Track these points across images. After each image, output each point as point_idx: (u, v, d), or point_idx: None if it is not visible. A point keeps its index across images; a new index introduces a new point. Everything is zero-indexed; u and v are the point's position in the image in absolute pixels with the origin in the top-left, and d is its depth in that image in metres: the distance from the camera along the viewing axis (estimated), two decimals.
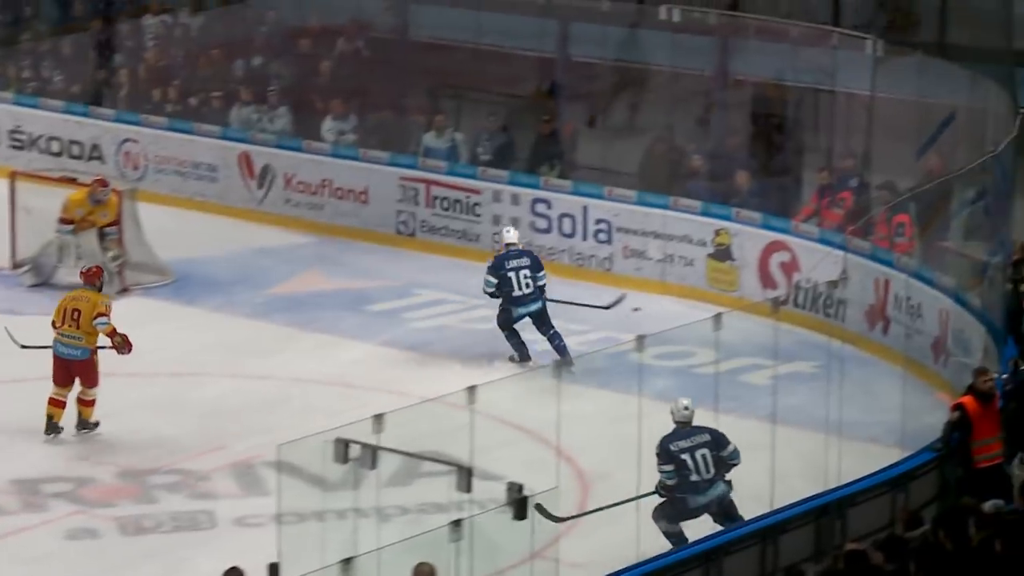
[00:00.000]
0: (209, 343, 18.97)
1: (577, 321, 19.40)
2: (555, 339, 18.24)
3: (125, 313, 19.56)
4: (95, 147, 23.85)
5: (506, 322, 18.32)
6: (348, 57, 23.90)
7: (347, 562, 11.33)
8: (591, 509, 14.02)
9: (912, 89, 19.60)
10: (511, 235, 18.75)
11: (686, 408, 14.17)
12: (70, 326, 16.45)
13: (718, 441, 14.02)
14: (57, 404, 16.50)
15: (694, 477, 13.85)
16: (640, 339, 13.92)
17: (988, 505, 12.16)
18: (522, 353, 18.33)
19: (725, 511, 13.93)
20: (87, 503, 15.40)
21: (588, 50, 23.11)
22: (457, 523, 11.79)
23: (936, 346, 17.20)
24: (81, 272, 17.17)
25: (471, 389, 12.66)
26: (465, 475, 12.24)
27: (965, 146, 18.89)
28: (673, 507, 13.90)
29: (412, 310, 19.97)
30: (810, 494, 14.15)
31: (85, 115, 24.08)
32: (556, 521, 13.30)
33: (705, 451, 13.96)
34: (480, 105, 22.93)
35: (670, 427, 14.30)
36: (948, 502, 13.68)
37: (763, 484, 14.26)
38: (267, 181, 22.85)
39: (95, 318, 16.38)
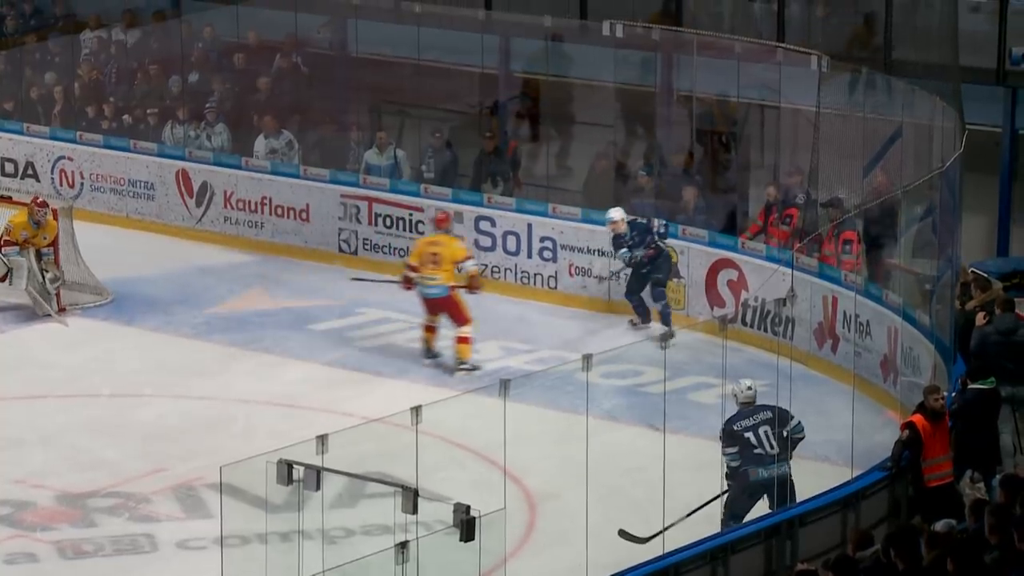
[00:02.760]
0: (149, 364, 18.94)
1: (524, 340, 19.51)
2: (665, 308, 19.35)
3: (62, 334, 19.65)
4: (29, 164, 23.78)
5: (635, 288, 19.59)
6: (286, 73, 23.89)
7: None
8: (670, 524, 13.99)
9: (858, 105, 19.73)
10: (617, 213, 19.43)
11: (749, 388, 14.54)
12: (430, 268, 18.52)
13: (781, 417, 14.37)
14: (430, 330, 18.82)
15: (758, 451, 14.24)
16: (587, 358, 13.93)
17: (939, 524, 12.25)
18: (644, 316, 19.42)
19: (784, 491, 14.20)
20: (26, 527, 15.32)
21: (529, 65, 23.19)
22: (403, 545, 11.80)
23: (885, 364, 17.31)
24: (435, 220, 19.47)
25: (416, 409, 12.67)
26: (411, 496, 12.28)
27: (912, 163, 19.01)
28: (738, 486, 14.17)
29: (356, 329, 19.98)
30: (761, 514, 14.26)
31: (19, 132, 23.99)
32: (642, 542, 13.65)
33: (767, 428, 14.33)
34: (422, 121, 22.98)
35: (618, 447, 14.38)
36: (899, 521, 13.79)
37: (713, 504, 14.35)
38: (206, 199, 22.82)
39: (462, 261, 18.72)
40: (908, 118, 19.02)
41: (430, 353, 18.90)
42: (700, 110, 21.29)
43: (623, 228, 19.60)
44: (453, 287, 18.74)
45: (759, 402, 14.61)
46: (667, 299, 19.61)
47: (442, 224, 19.31)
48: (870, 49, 21.30)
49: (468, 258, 18.98)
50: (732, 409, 14.71)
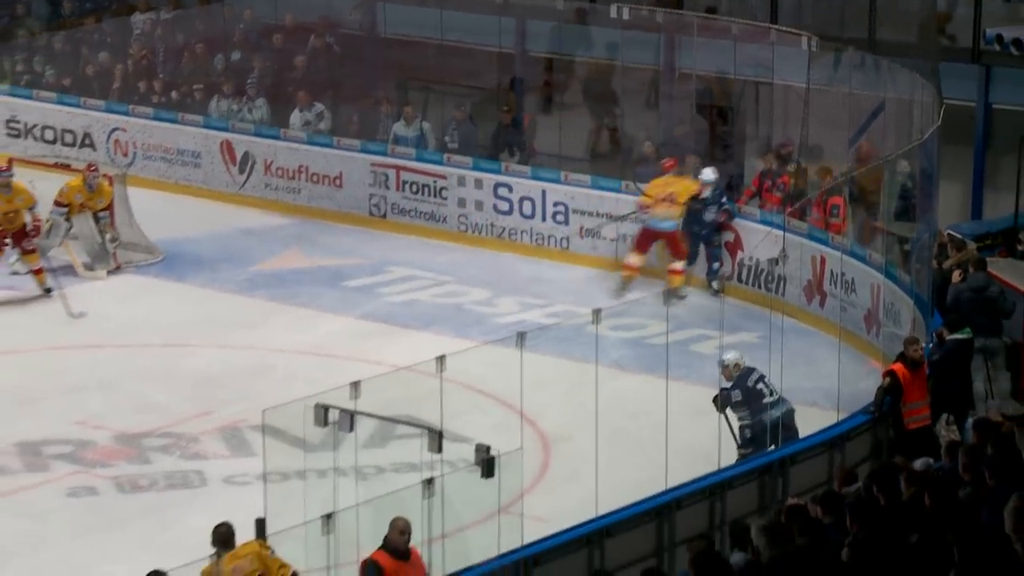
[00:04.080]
0: (197, 317, 18.94)
1: (539, 296, 19.53)
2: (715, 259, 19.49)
3: (118, 289, 19.71)
4: (87, 135, 23.79)
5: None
6: (320, 52, 23.88)
7: (328, 517, 11.39)
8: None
9: (844, 82, 19.71)
10: (709, 175, 19.38)
11: (736, 358, 14.78)
12: (666, 206, 19.14)
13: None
14: (630, 268, 19.17)
15: (767, 399, 14.44)
16: (596, 312, 13.96)
17: (918, 463, 12.28)
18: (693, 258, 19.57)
19: (789, 426, 14.47)
20: (86, 463, 15.41)
21: (543, 45, 23.18)
22: (429, 481, 11.84)
23: (869, 318, 17.33)
24: (663, 166, 19.72)
25: (441, 358, 12.68)
26: (436, 437, 12.28)
27: (894, 134, 19.00)
28: (753, 439, 14.37)
29: (385, 286, 19.95)
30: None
31: (77, 105, 24.01)
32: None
33: (763, 377, 14.59)
34: (445, 96, 22.94)
35: (625, 393, 14.41)
36: (881, 461, 13.82)
37: (711, 445, 14.38)
38: (248, 167, 22.82)
39: (698, 192, 19.25)
40: (890, 93, 18.99)
41: (624, 288, 19.16)
42: (700, 87, 21.29)
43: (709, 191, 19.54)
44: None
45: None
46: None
47: (670, 168, 19.51)
48: (855, 30, 21.25)
49: (702, 187, 19.30)
50: (711, 365, 14.83)
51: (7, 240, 19.11)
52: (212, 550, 11.30)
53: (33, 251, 19.00)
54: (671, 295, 18.37)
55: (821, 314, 18.16)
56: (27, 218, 19.07)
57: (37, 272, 19.06)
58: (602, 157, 21.55)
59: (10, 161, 20.84)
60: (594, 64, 22.79)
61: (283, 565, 11.11)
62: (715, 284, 19.21)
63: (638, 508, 12.96)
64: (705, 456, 14.09)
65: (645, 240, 19.53)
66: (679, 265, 19.21)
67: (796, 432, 14.58)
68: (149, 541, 13.91)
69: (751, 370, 14.72)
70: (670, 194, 19.36)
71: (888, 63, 19.00)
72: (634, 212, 19.79)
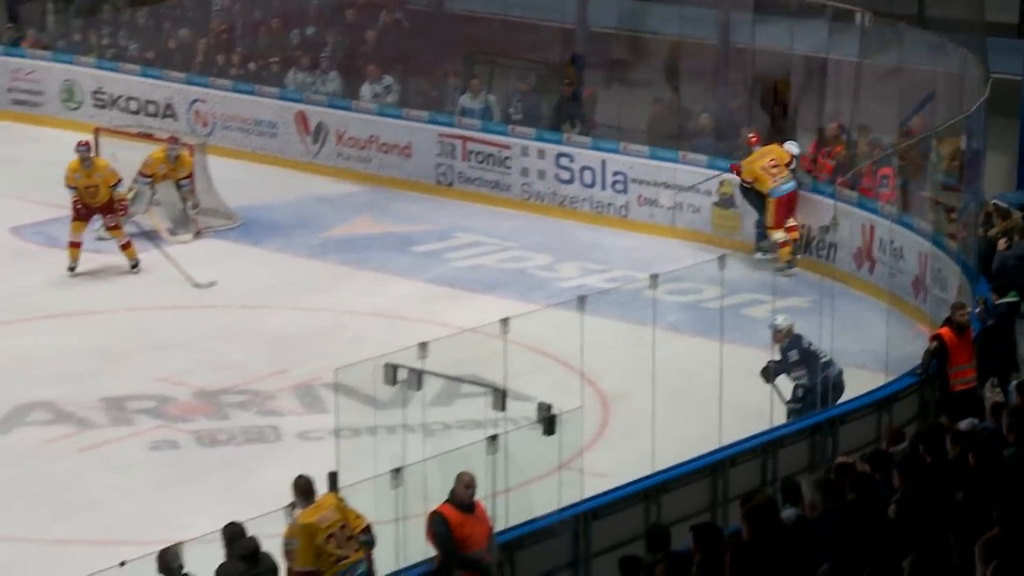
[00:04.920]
0: (272, 280, 18.99)
1: (599, 262, 19.49)
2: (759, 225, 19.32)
3: (198, 253, 19.78)
4: (168, 106, 23.88)
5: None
6: (390, 27, 23.85)
7: (397, 472, 11.36)
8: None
9: (895, 57, 19.56)
10: (793, 147, 19.27)
11: (786, 320, 14.69)
12: (777, 171, 18.95)
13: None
14: (784, 244, 18.81)
15: (823, 359, 14.39)
16: (654, 277, 13.91)
17: (963, 424, 12.20)
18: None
19: (839, 386, 14.46)
20: (168, 418, 15.49)
21: (604, 21, 23.08)
22: (494, 438, 11.83)
23: (916, 284, 17.21)
24: (747, 142, 19.46)
25: (504, 320, 12.67)
26: (500, 396, 12.26)
27: (942, 107, 18.85)
28: (805, 397, 14.31)
29: (452, 251, 19.96)
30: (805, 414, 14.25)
31: (159, 78, 24.09)
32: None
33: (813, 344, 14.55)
34: (510, 70, 22.88)
35: (681, 355, 14.35)
36: (927, 421, 13.74)
37: (764, 404, 14.33)
38: (321, 137, 22.85)
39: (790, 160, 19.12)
40: (939, 68, 18.84)
41: (790, 266, 18.83)
42: (756, 62, 21.16)
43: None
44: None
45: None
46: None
47: (756, 142, 19.29)
48: (906, 7, 21.08)
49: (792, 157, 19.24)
50: (763, 328, 14.79)
51: (95, 215, 19.02)
52: (285, 502, 11.28)
53: (116, 227, 18.91)
54: (781, 268, 18.25)
55: (870, 280, 18.05)
56: (111, 194, 18.92)
57: (125, 247, 18.99)
58: (660, 129, 21.44)
59: (97, 130, 21.01)
60: (653, 39, 22.67)
61: (358, 516, 11.14)
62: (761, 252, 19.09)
63: (693, 465, 12.94)
64: (758, 415, 14.05)
65: (781, 210, 19.07)
66: (781, 235, 18.84)
67: (843, 390, 14.51)
68: (226, 493, 13.99)
69: (800, 336, 14.64)
70: (772, 161, 19.09)
71: (937, 38, 18.83)
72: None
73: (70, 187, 18.87)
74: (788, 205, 19.06)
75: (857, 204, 18.44)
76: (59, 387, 15.91)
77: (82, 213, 18.87)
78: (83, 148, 19.03)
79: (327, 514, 10.97)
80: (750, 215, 19.65)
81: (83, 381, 16.07)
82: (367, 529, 11.11)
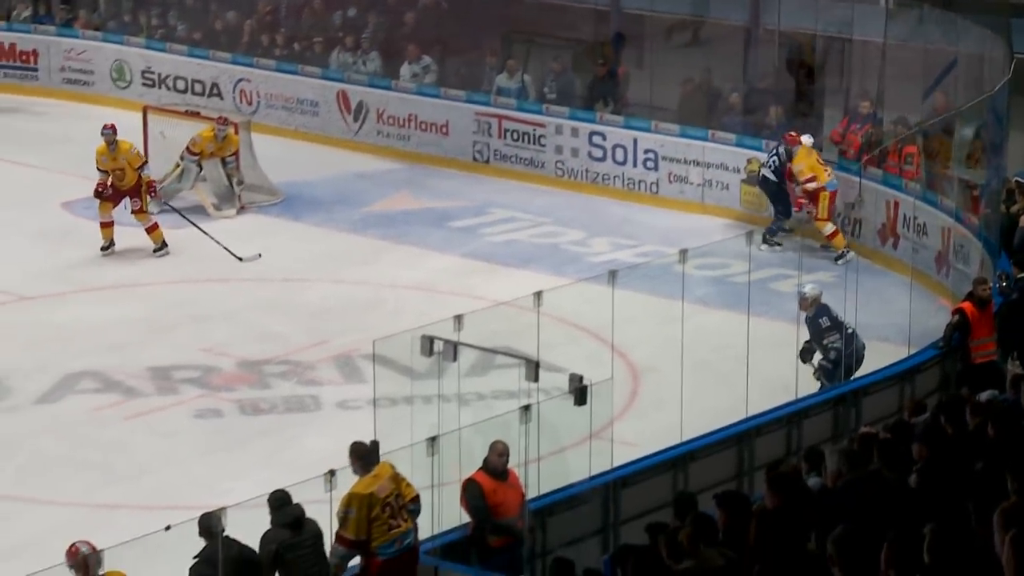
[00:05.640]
0: (313, 253, 18.97)
1: (630, 237, 19.41)
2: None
3: (242, 228, 19.80)
4: (215, 85, 23.88)
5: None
6: (430, 9, 23.79)
7: (432, 440, 11.36)
8: None
9: (920, 37, 19.40)
10: (808, 139, 18.76)
11: (813, 288, 14.66)
12: (827, 167, 18.48)
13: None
14: (834, 235, 18.24)
15: (849, 330, 14.34)
16: (683, 252, 13.85)
17: (983, 395, 12.12)
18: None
19: (861, 358, 14.49)
20: (212, 388, 15.50)
21: (637, 2, 22.97)
22: (526, 408, 11.80)
23: (939, 259, 17.10)
24: (787, 138, 18.76)
25: (538, 294, 12.64)
26: (533, 367, 12.22)
27: (966, 87, 18.69)
28: (835, 369, 14.22)
29: (487, 226, 19.92)
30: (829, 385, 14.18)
31: (206, 58, 24.09)
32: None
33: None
34: (545, 50, 22.83)
35: (709, 328, 14.29)
36: (948, 392, 13.66)
37: (789, 376, 14.26)
38: (361, 115, 22.82)
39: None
40: (963, 48, 18.68)
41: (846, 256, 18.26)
42: (784, 42, 21.04)
43: None
44: None
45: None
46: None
47: (794, 142, 18.61)
48: None
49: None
50: (789, 302, 14.73)
51: (123, 197, 18.80)
52: (325, 469, 11.18)
53: (141, 210, 18.70)
54: (840, 256, 17.97)
55: (894, 255, 17.96)
56: (138, 176, 18.68)
57: (151, 230, 18.75)
58: (690, 108, 21.34)
59: (146, 109, 21.02)
60: (684, 19, 22.57)
61: (409, 485, 11.11)
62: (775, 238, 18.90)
63: (720, 435, 12.91)
64: (784, 387, 13.98)
65: (832, 203, 18.58)
66: (831, 227, 18.37)
67: (862, 364, 14.43)
68: (268, 460, 14.01)
69: (826, 304, 14.57)
70: (817, 158, 18.67)
71: (961, 19, 18.67)
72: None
73: (100, 170, 18.74)
74: (833, 201, 18.80)
75: (882, 181, 18.33)
76: (107, 357, 15.95)
77: (110, 195, 18.69)
78: (108, 131, 18.82)
79: (384, 484, 10.93)
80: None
81: (130, 351, 16.10)
82: (416, 499, 11.10)
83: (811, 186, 18.35)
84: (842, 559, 8.04)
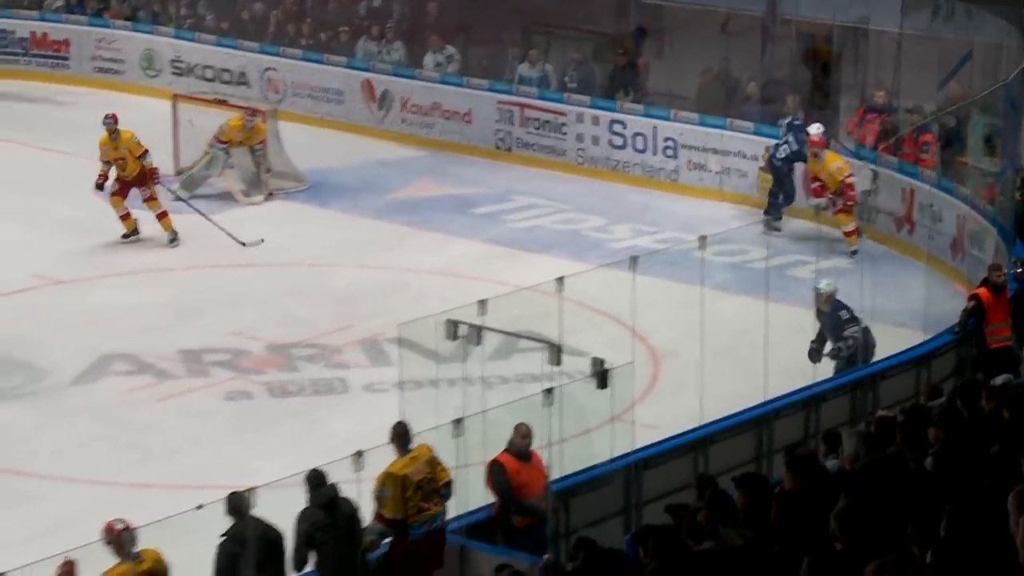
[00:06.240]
0: (339, 239, 19.01)
1: (650, 224, 19.42)
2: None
3: (269, 214, 19.87)
4: (242, 74, 23.92)
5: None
6: None
7: (458, 422, 11.42)
8: None
9: (935, 28, 19.36)
10: (814, 128, 18.54)
11: (829, 285, 14.56)
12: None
13: None
14: (850, 233, 17.90)
15: (864, 324, 14.31)
16: (702, 239, 13.86)
17: (998, 379, 12.12)
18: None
19: (872, 347, 14.41)
20: (241, 370, 15.56)
21: None
22: (549, 391, 11.84)
23: (954, 245, 17.08)
24: (811, 142, 18.28)
25: (560, 279, 12.68)
26: (555, 351, 12.26)
27: (981, 76, 18.66)
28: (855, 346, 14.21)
29: (509, 213, 19.94)
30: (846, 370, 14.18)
31: (234, 47, 24.13)
32: None
33: None
34: (566, 41, 22.81)
35: (728, 313, 14.29)
36: (964, 377, 13.65)
37: (806, 361, 14.28)
38: (386, 104, 22.86)
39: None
40: (978, 39, 18.64)
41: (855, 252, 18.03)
42: (801, 33, 21.02)
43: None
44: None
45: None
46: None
47: (818, 144, 18.24)
48: None
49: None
50: (806, 288, 14.66)
51: (131, 187, 18.72)
52: (352, 450, 11.21)
53: (152, 198, 18.62)
54: (853, 253, 17.76)
55: (910, 241, 17.94)
56: (140, 165, 18.59)
57: (161, 216, 18.67)
58: (709, 97, 21.33)
59: (175, 97, 21.07)
60: (703, 10, 22.54)
61: (444, 469, 11.16)
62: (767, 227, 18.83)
63: (739, 418, 12.93)
64: (801, 371, 14.02)
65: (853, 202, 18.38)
66: (853, 225, 18.12)
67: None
68: (296, 441, 14.05)
69: (839, 300, 14.52)
70: (839, 164, 18.32)
71: (976, 9, 18.63)
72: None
73: (104, 161, 18.67)
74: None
75: (898, 169, 18.30)
76: (139, 340, 16.02)
77: (117, 188, 18.62)
78: (109, 121, 18.74)
79: (419, 467, 11.00)
80: (796, 180, 19.53)
81: (161, 335, 16.17)
82: (448, 484, 11.16)
83: (851, 180, 18.14)
84: (844, 534, 8.06)
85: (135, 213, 18.77)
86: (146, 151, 18.76)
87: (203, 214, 18.94)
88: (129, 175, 18.64)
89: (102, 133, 18.77)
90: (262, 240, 18.60)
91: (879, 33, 20.15)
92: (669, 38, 22.75)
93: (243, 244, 18.42)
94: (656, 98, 21.62)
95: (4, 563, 9.74)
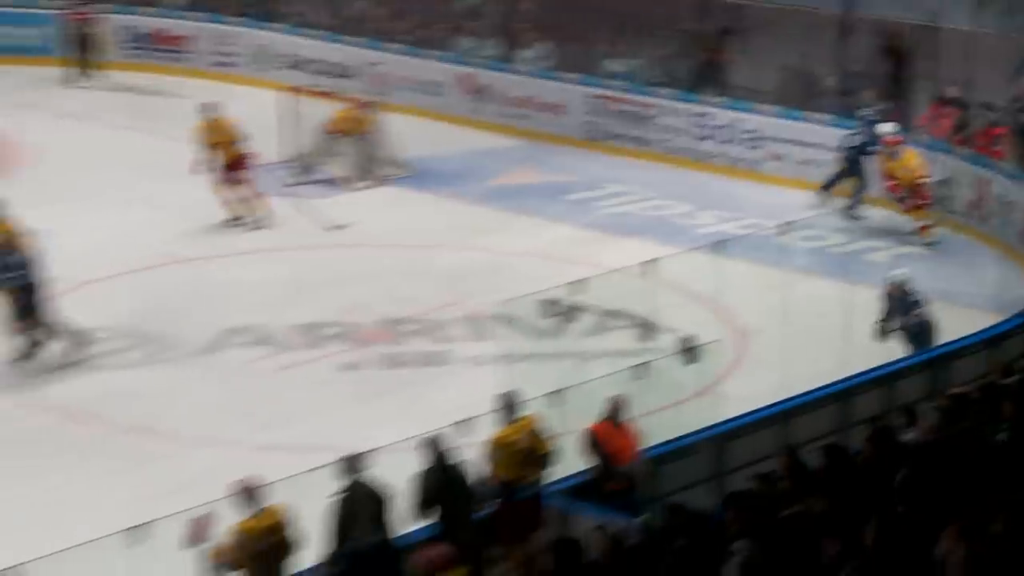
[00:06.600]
0: (443, 223, 19.16)
1: (734, 211, 19.43)
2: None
3: (377, 200, 20.07)
4: (349, 68, 24.10)
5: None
6: None
7: (556, 394, 11.61)
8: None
9: (1008, 24, 19.25)
10: (887, 127, 18.53)
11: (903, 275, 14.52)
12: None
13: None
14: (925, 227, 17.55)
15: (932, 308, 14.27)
16: (785, 224, 13.90)
17: None
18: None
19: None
20: (354, 343, 15.73)
21: None
22: (641, 365, 11.97)
23: None
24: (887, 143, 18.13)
25: (650, 262, 12.76)
26: (646, 328, 12.38)
27: None
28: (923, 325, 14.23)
29: (601, 199, 19.98)
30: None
31: (341, 43, 24.33)
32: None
33: None
34: (654, 38, 22.84)
35: (809, 294, 14.29)
36: None
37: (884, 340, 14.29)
38: (483, 96, 23.00)
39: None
40: None
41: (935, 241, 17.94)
42: (877, 30, 20.96)
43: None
44: None
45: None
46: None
47: (894, 143, 18.24)
48: None
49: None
50: (884, 272, 14.61)
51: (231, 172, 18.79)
52: (457, 419, 11.40)
53: (247, 182, 18.76)
54: (930, 243, 17.68)
55: (983, 229, 17.86)
56: (236, 151, 18.68)
57: (254, 199, 18.77)
58: (788, 91, 21.32)
59: (288, 89, 21.29)
60: (782, 9, 22.49)
61: (545, 440, 11.33)
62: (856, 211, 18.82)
63: (821, 392, 12.93)
64: (879, 350, 14.01)
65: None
66: (927, 222, 18.00)
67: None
68: (405, 410, 14.21)
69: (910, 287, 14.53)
70: (924, 161, 18.33)
71: None
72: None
73: (201, 146, 18.80)
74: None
75: (971, 160, 18.23)
76: (259, 314, 16.26)
77: (220, 175, 18.75)
78: (207, 108, 18.96)
79: (522, 436, 11.19)
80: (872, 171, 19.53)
81: (279, 309, 16.40)
82: (549, 454, 11.32)
83: (925, 180, 18.01)
84: (904, 499, 8.17)
85: (238, 198, 18.96)
86: (243, 137, 18.90)
87: (305, 198, 19.13)
88: (228, 159, 18.79)
89: (202, 120, 18.99)
90: (348, 225, 18.66)
91: (952, 30, 20.04)
92: (751, 35, 22.73)
93: (333, 228, 18.53)
94: (738, 92, 21.62)
95: (140, 517, 10.00)
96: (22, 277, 15.04)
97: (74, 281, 16.51)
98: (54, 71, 24.67)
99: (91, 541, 9.86)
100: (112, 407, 14.45)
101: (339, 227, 18.73)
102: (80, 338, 15.39)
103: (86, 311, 15.75)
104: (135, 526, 9.90)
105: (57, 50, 25.01)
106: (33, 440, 14.00)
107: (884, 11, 20.76)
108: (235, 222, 18.88)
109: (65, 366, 15.19)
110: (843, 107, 20.33)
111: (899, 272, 14.64)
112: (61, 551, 9.85)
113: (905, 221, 18.17)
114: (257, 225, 18.81)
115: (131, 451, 13.71)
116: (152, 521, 9.92)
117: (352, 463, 10.73)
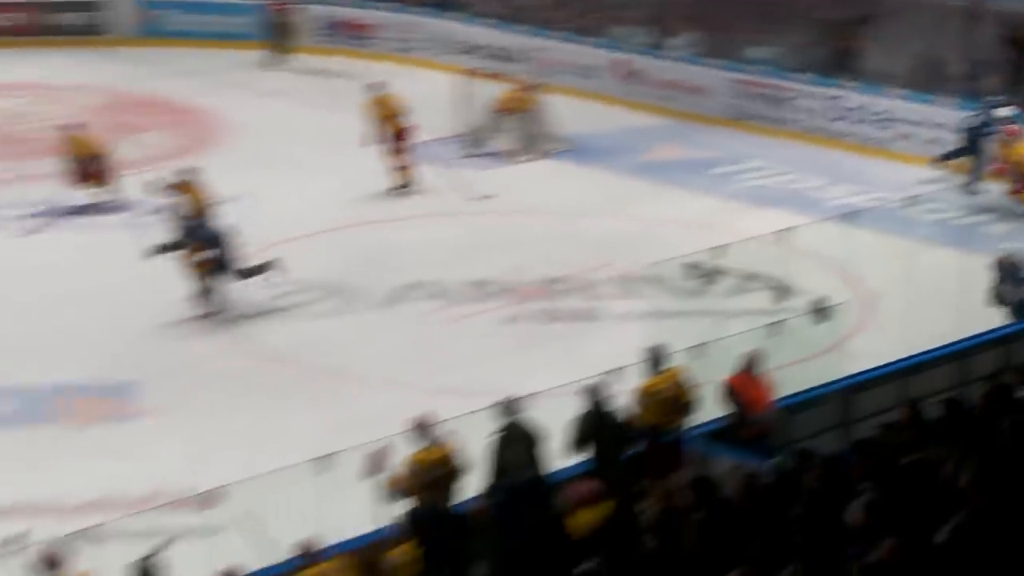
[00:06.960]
0: (597, 193, 19.18)
1: (864, 184, 19.14)
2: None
3: (538, 172, 20.16)
4: (516, 53, 24.19)
5: None
6: None
7: (698, 347, 11.61)
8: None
9: None
10: (1005, 111, 18.19)
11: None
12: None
13: None
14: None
15: None
16: (910, 198, 13.69)
17: None
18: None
19: None
20: (514, 299, 15.84)
21: None
22: (776, 323, 11.91)
23: None
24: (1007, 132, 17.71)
25: (785, 230, 12.67)
26: (780, 290, 12.31)
27: None
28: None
29: (742, 174, 19.82)
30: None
31: (509, 30, 24.39)
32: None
33: None
34: (793, 25, 22.58)
35: (931, 262, 14.05)
36: None
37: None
38: (636, 79, 22.94)
39: None
40: None
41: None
42: (1002, 20, 20.47)
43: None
44: None
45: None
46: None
47: (1014, 132, 17.85)
48: None
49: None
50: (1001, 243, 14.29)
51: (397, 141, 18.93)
52: (607, 369, 11.44)
53: (401, 151, 18.78)
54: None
55: None
56: (399, 124, 18.78)
57: (406, 168, 18.79)
58: (917, 76, 20.94)
59: (463, 71, 21.43)
60: (915, 2, 22.10)
61: (689, 389, 11.35)
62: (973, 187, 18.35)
63: (940, 352, 12.72)
64: (996, 313, 13.74)
65: None
66: None
67: None
68: (560, 360, 14.25)
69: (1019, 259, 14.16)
70: None
71: None
72: None
73: (372, 120, 18.89)
74: None
75: None
76: (431, 272, 16.44)
77: (386, 145, 18.86)
78: (374, 85, 19.07)
79: (667, 386, 11.23)
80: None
81: (449, 268, 16.56)
82: (691, 403, 11.33)
83: None
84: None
85: (400, 166, 19.06)
86: (403, 112, 18.96)
87: (458, 170, 19.17)
88: (392, 130, 18.90)
89: (370, 96, 19.12)
90: (492, 196, 18.63)
91: None
92: (883, 24, 22.33)
93: (482, 197, 18.51)
94: (870, 76, 21.29)
95: (330, 447, 10.23)
96: (212, 244, 15.33)
97: (274, 239, 16.80)
98: (256, 55, 25.11)
99: (283, 468, 10.11)
100: (304, 352, 14.73)
101: (487, 197, 18.76)
102: (272, 282, 15.57)
103: (286, 266, 15.99)
104: (322, 456, 10.12)
105: (259, 36, 25.48)
106: (235, 379, 14.34)
107: (1010, 3, 20.24)
108: (400, 189, 19.06)
109: (262, 314, 15.49)
110: (968, 92, 19.91)
111: (1011, 246, 14.30)
112: (257, 476, 10.10)
113: (1016, 203, 17.81)
114: (412, 192, 18.96)
115: (320, 391, 13.97)
116: (337, 452, 10.13)
117: (509, 406, 10.87)
